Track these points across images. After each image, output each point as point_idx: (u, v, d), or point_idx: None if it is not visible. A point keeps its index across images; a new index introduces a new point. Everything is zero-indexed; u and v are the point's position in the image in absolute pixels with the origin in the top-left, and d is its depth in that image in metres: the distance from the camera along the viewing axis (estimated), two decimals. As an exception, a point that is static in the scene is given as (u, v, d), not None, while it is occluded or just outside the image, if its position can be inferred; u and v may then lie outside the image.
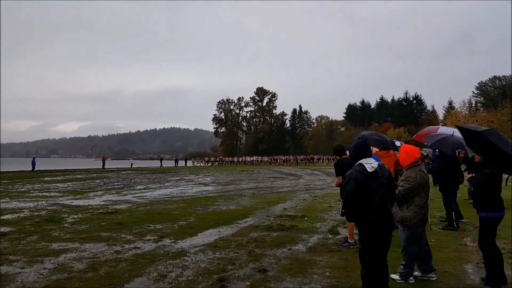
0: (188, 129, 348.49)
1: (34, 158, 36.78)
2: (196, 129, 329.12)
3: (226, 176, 25.86)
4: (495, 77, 62.35)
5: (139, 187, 17.24)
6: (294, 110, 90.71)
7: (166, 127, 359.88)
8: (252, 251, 5.45)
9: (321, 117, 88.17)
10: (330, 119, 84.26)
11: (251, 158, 59.42)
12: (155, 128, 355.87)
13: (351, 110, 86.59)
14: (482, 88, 63.15)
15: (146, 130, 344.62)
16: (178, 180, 22.13)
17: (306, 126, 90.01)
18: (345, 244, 5.76)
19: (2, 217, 8.47)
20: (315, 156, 56.56)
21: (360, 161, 3.29)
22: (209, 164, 58.09)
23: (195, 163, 62.33)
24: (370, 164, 3.24)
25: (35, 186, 17.55)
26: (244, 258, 5.07)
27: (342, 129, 78.90)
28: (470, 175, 4.23)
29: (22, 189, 15.73)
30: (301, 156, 57.42)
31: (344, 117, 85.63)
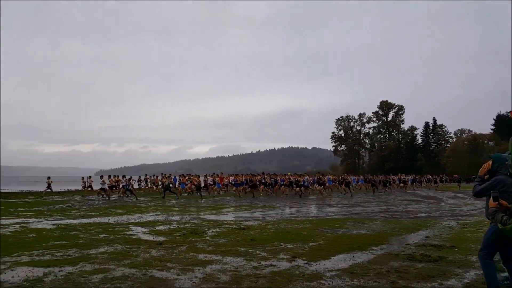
0: (305, 148, 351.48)
1: (175, 177, 42.80)
2: (313, 148, 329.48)
3: (351, 197, 24.68)
4: None
5: (263, 203, 17.99)
6: (427, 124, 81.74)
7: (284, 147, 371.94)
8: (395, 282, 4.89)
9: (461, 131, 76.88)
10: (473, 133, 72.54)
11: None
12: (274, 148, 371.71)
13: (501, 121, 72.52)
14: None
15: (266, 150, 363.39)
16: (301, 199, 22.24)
17: (443, 142, 79.67)
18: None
19: (157, 228, 9.96)
20: (436, 177, 40.29)
21: None
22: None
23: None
24: None
25: (181, 201, 20.25)
26: (386, 290, 4.59)
27: (491, 143, 66.67)
28: None
29: (169, 204, 18.34)
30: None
31: (492, 129, 72.32)
